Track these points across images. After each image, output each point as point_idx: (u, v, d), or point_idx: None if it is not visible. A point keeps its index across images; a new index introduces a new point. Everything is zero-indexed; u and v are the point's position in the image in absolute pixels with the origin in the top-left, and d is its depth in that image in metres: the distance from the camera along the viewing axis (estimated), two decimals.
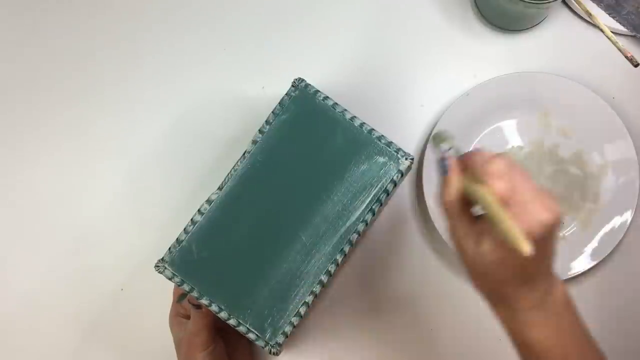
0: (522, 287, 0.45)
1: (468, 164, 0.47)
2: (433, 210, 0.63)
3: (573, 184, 0.64)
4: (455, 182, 0.47)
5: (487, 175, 0.44)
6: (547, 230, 0.43)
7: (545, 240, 0.44)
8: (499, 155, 0.46)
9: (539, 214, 0.43)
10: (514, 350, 0.64)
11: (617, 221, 0.62)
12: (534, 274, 0.45)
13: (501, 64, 0.67)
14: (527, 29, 0.68)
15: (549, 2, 0.59)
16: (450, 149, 0.49)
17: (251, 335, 0.56)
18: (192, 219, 0.57)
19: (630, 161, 0.63)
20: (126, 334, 0.66)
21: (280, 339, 0.56)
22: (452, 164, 0.47)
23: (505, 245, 0.43)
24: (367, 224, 0.57)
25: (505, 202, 0.43)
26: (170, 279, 0.56)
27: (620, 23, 0.65)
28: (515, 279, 0.45)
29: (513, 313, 0.46)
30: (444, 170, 0.48)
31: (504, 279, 0.45)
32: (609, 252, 0.62)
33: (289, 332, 0.56)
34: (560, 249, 0.62)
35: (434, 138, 0.51)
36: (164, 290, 0.61)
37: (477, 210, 0.47)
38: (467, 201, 0.47)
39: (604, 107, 0.63)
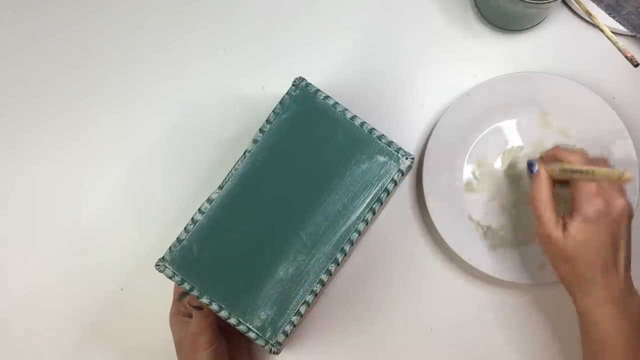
0: (607, 273, 0.52)
1: (558, 155, 0.56)
2: (433, 210, 0.63)
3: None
4: (544, 174, 0.56)
5: (574, 159, 0.55)
6: (618, 212, 0.52)
7: (616, 221, 0.52)
8: (572, 150, 0.58)
9: (614, 196, 0.53)
10: (515, 350, 0.64)
11: None
12: (615, 261, 0.52)
13: (501, 64, 0.67)
14: (527, 29, 0.68)
15: (549, 2, 0.60)
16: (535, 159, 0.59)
17: (251, 334, 0.56)
18: (192, 218, 0.57)
19: (630, 161, 0.63)
20: (126, 333, 0.66)
21: (281, 338, 0.56)
22: (539, 161, 0.57)
23: (589, 224, 0.52)
24: (367, 224, 0.57)
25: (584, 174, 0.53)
26: (170, 278, 0.56)
27: (620, 23, 0.65)
28: (599, 260, 0.52)
29: (594, 301, 0.52)
30: (531, 169, 0.57)
31: (592, 259, 0.52)
32: None
33: (289, 331, 0.56)
34: None
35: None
36: (164, 289, 0.61)
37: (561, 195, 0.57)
38: (554, 196, 0.55)
39: (604, 107, 0.63)
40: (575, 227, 0.52)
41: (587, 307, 0.53)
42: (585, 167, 0.53)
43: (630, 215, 0.54)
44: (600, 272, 0.52)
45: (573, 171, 0.54)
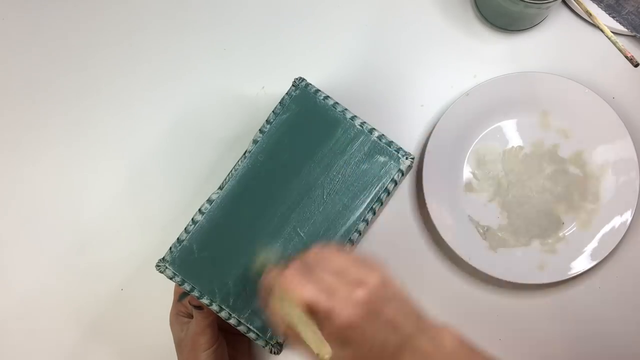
0: (401, 358, 0.44)
1: (270, 285, 0.46)
2: (433, 210, 0.63)
3: (573, 184, 0.64)
4: (277, 316, 0.45)
5: (289, 286, 0.44)
6: (369, 302, 0.42)
7: (377, 309, 0.43)
8: (282, 269, 0.45)
9: (350, 294, 0.42)
10: (514, 350, 0.64)
11: (617, 221, 0.62)
12: (402, 341, 0.44)
13: (501, 64, 0.67)
14: (527, 29, 0.68)
15: (549, 2, 0.59)
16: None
17: (252, 335, 0.56)
18: (192, 219, 0.57)
19: (630, 161, 0.63)
20: (126, 333, 0.66)
21: (281, 338, 0.56)
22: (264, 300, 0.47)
23: (348, 342, 0.42)
24: (367, 223, 0.57)
25: (313, 303, 0.42)
26: (171, 278, 0.56)
27: (620, 23, 0.65)
28: (385, 357, 0.43)
29: None
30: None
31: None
32: (609, 252, 0.62)
33: None
34: (560, 248, 0.63)
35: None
36: (164, 290, 0.61)
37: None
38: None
39: (604, 107, 0.63)
40: (337, 355, 0.42)
41: None
42: (294, 321, 0.43)
43: (385, 277, 0.44)
44: (399, 356, 0.44)
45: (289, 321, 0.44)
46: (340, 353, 0.43)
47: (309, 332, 0.42)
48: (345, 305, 0.42)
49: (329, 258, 0.45)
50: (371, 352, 0.43)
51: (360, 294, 0.42)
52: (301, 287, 0.43)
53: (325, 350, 0.41)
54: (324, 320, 0.43)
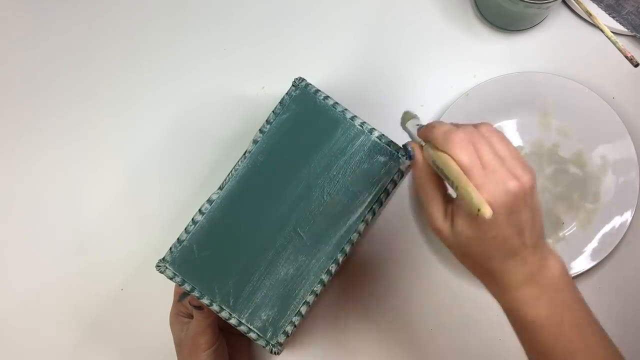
0: (509, 261, 0.45)
1: (429, 137, 0.46)
2: None
3: (573, 184, 0.64)
4: (422, 162, 0.47)
5: (448, 146, 0.44)
6: (516, 197, 0.43)
7: (517, 208, 0.43)
8: (461, 125, 0.45)
9: (504, 181, 0.43)
10: (514, 350, 0.64)
11: (617, 221, 0.62)
12: (518, 247, 0.44)
13: (501, 64, 0.67)
14: (527, 29, 0.68)
15: (549, 2, 0.59)
16: (418, 126, 0.49)
17: (252, 335, 0.56)
18: (193, 219, 0.57)
19: (630, 161, 0.63)
20: (126, 333, 0.66)
21: (282, 338, 0.56)
22: (416, 146, 0.48)
23: (477, 218, 0.43)
24: (367, 224, 0.57)
25: (468, 172, 0.43)
26: (171, 278, 0.56)
27: (620, 23, 0.65)
28: (499, 253, 0.44)
29: (504, 289, 0.46)
30: (409, 155, 0.48)
31: (488, 254, 0.45)
32: (609, 252, 0.62)
33: (290, 332, 0.56)
34: (560, 249, 0.63)
35: (403, 117, 0.53)
36: (164, 290, 0.61)
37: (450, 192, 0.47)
38: (440, 183, 0.47)
39: (604, 107, 0.63)
40: (461, 224, 0.45)
41: (513, 302, 0.46)
42: (453, 174, 0.44)
43: (529, 193, 0.44)
44: (509, 258, 0.45)
45: (441, 171, 0.45)
46: (467, 232, 0.44)
47: (470, 188, 0.42)
48: (495, 187, 0.43)
49: (498, 140, 0.45)
50: (493, 241, 0.44)
51: (512, 185, 0.43)
52: (467, 151, 0.43)
53: (488, 209, 0.41)
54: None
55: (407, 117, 0.52)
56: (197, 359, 0.56)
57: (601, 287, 0.64)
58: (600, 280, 0.64)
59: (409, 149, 0.48)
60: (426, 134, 0.47)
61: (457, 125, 0.46)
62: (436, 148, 0.45)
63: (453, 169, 0.43)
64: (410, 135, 0.51)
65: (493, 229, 0.43)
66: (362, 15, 0.69)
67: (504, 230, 0.43)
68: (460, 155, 0.43)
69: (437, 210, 0.46)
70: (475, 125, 0.46)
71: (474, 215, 0.42)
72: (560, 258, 0.47)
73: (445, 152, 0.44)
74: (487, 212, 0.41)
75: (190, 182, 0.67)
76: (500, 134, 0.45)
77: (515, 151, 0.45)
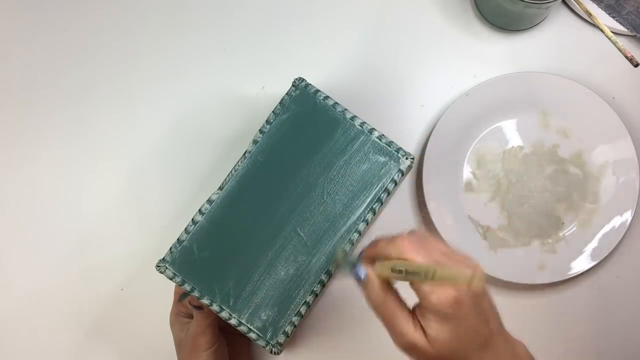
0: (485, 352, 0.45)
1: (381, 251, 0.46)
2: (433, 210, 0.63)
3: (573, 184, 0.64)
4: (374, 280, 0.46)
5: (404, 250, 0.44)
6: (481, 280, 0.43)
7: (478, 296, 0.44)
8: (399, 235, 0.45)
9: (463, 271, 0.43)
10: None
11: (617, 221, 0.62)
12: (489, 336, 0.45)
13: (501, 64, 0.67)
14: (527, 29, 0.68)
15: (549, 2, 0.59)
16: (357, 260, 0.48)
17: (252, 335, 0.56)
18: (193, 219, 0.57)
19: (630, 161, 0.63)
20: (126, 333, 0.66)
21: (282, 338, 0.56)
22: (366, 265, 0.47)
23: (449, 318, 0.43)
24: (367, 224, 0.57)
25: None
26: (171, 279, 0.56)
27: (620, 23, 0.65)
28: (474, 348, 0.44)
29: None
30: (359, 276, 0.47)
31: (466, 354, 0.44)
32: (609, 252, 0.62)
33: (290, 332, 0.56)
34: (560, 248, 0.63)
35: (337, 257, 0.55)
36: (164, 290, 0.61)
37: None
38: (397, 296, 0.46)
39: (604, 107, 0.63)
40: (435, 328, 0.43)
41: None
42: (423, 266, 0.43)
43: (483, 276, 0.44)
44: (483, 351, 0.45)
45: (407, 272, 0.43)
46: (442, 335, 0.43)
47: (449, 268, 0.43)
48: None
49: (436, 240, 0.46)
50: (466, 337, 0.44)
51: (470, 273, 0.43)
52: (421, 250, 0.44)
53: (478, 278, 0.42)
54: (428, 295, 0.43)
55: (341, 254, 0.55)
56: (197, 359, 0.56)
57: (601, 287, 0.64)
58: (600, 280, 0.64)
59: (359, 270, 0.46)
60: (376, 249, 0.46)
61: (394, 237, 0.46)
62: (388, 259, 0.45)
63: (421, 264, 0.43)
64: (350, 267, 0.48)
65: (465, 320, 0.43)
66: (362, 15, 0.69)
67: (473, 320, 0.44)
68: (417, 258, 0.44)
69: (405, 324, 0.45)
70: (409, 233, 0.46)
71: (446, 316, 0.43)
72: (522, 343, 0.48)
73: (402, 259, 0.44)
74: (479, 280, 0.42)
75: (190, 182, 0.67)
76: (432, 236, 0.46)
77: (453, 247, 0.46)
